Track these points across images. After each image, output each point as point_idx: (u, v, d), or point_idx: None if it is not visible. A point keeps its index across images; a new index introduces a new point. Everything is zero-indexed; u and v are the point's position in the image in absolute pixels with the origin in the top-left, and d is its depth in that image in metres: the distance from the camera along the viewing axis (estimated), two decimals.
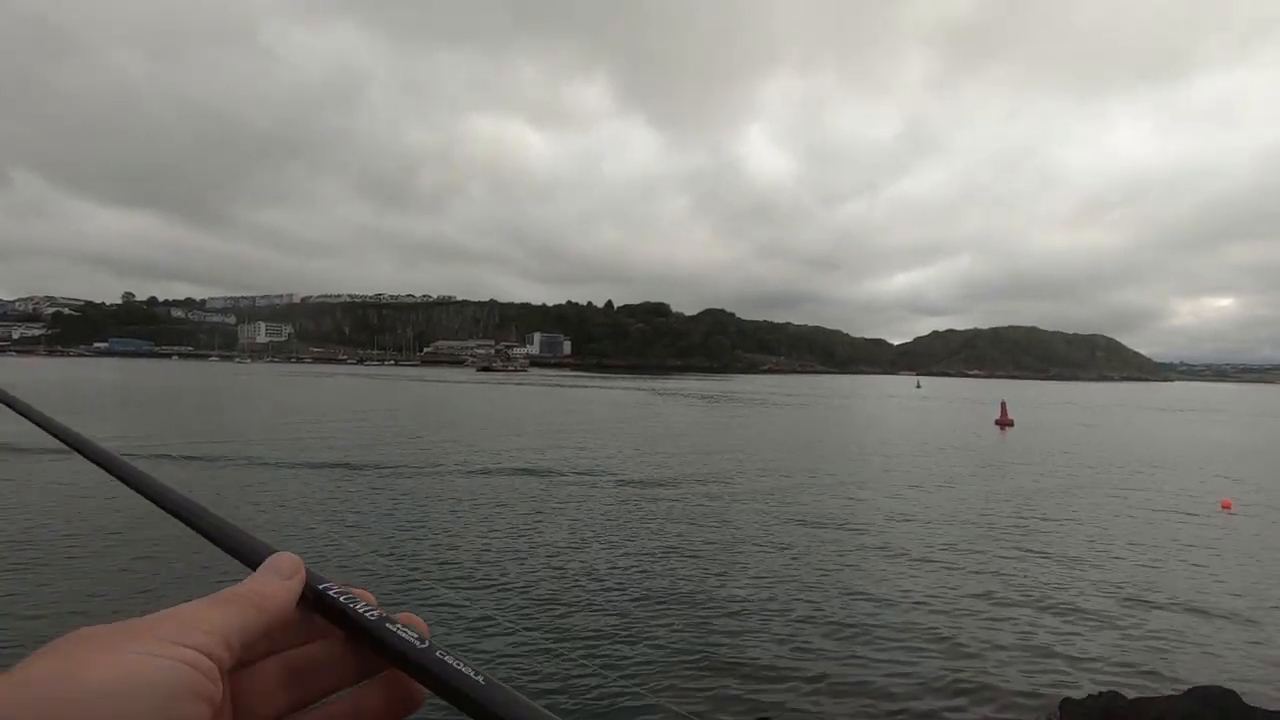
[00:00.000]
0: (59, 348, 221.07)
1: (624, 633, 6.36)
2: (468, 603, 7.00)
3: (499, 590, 7.39)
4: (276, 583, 0.41)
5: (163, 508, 0.50)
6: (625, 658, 5.88)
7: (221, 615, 0.36)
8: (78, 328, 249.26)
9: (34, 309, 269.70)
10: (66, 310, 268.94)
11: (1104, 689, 5.17)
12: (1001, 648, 6.30)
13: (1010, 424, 32.60)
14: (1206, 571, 9.01)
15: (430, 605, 7.01)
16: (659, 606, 7.04)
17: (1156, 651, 6.38)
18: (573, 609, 6.90)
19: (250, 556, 0.45)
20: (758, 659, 5.91)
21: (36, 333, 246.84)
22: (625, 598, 7.26)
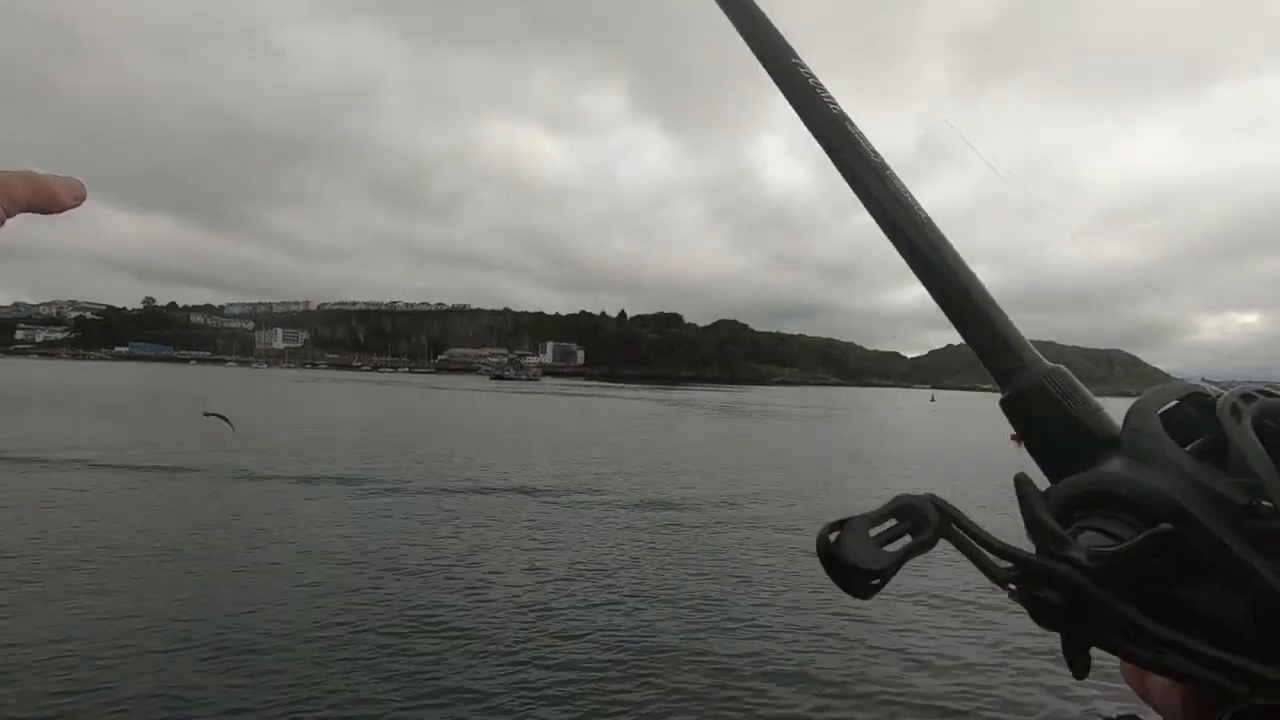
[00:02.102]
0: (81, 351, 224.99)
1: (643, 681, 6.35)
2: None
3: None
4: None
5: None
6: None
7: None
8: (100, 332, 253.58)
9: (58, 313, 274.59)
10: (89, 314, 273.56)
11: (1125, 713, 5.09)
12: (1025, 672, 6.23)
13: None
14: None
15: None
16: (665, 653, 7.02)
17: None
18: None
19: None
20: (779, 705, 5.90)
21: (59, 336, 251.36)
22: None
